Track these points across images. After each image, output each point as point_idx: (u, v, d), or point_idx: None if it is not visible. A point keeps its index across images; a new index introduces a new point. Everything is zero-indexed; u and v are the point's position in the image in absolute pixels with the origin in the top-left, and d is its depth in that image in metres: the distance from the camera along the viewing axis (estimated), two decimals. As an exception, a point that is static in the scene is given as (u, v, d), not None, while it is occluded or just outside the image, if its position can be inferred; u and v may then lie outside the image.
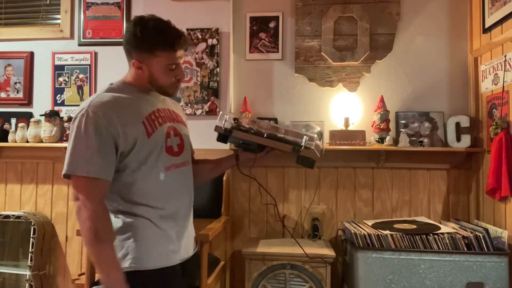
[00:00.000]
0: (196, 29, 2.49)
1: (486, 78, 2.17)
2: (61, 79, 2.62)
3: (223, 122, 1.34)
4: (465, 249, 1.80)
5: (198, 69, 2.49)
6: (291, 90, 2.48)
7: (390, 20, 2.41)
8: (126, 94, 1.22)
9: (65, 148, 1.23)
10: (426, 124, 2.32)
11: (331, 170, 2.42)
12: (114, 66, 2.52)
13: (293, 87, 2.48)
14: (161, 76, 1.22)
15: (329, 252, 2.04)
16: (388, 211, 2.38)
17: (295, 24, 2.48)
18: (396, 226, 1.98)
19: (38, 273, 2.43)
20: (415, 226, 1.98)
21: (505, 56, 1.98)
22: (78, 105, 1.16)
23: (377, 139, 2.29)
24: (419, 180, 2.37)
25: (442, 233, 1.84)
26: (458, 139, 2.24)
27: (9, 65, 2.67)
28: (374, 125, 2.31)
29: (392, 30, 2.41)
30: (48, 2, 2.69)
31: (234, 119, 1.35)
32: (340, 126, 2.38)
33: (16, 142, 2.50)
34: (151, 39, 1.18)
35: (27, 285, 2.38)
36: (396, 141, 2.31)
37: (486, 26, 2.16)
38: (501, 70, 2.01)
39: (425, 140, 2.27)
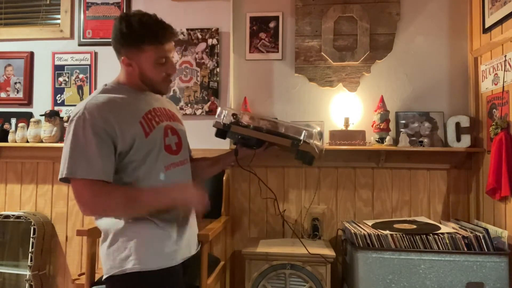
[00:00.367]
0: (196, 29, 2.49)
1: (486, 78, 2.17)
2: (61, 79, 2.62)
3: (222, 118, 1.34)
4: (465, 249, 1.80)
5: (198, 69, 2.49)
6: (291, 90, 2.48)
7: (390, 20, 2.41)
8: (121, 94, 1.22)
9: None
10: (426, 124, 2.32)
11: (331, 170, 2.42)
12: (114, 66, 2.48)
13: (293, 87, 2.48)
14: (151, 72, 1.21)
15: (329, 252, 2.04)
16: (388, 211, 2.38)
17: (295, 24, 2.48)
18: (396, 226, 1.98)
19: (38, 273, 2.43)
20: (415, 226, 1.98)
21: (505, 56, 1.98)
22: (75, 109, 1.15)
23: (377, 139, 2.29)
24: (419, 180, 2.37)
25: (442, 233, 1.84)
26: (458, 139, 2.24)
27: (9, 65, 2.66)
28: (374, 125, 2.31)
29: (392, 30, 2.41)
30: (48, 2, 2.69)
31: (233, 114, 1.34)
32: (340, 126, 2.38)
33: (16, 142, 2.50)
34: (137, 34, 1.16)
35: (27, 285, 2.38)
36: (396, 141, 2.31)
37: (486, 26, 2.16)
38: (501, 70, 2.01)
39: (425, 140, 2.27)
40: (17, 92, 2.65)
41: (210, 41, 2.49)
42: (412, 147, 2.25)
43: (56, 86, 2.62)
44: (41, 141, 2.47)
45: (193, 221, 1.35)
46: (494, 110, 2.09)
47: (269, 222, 2.44)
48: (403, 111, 2.37)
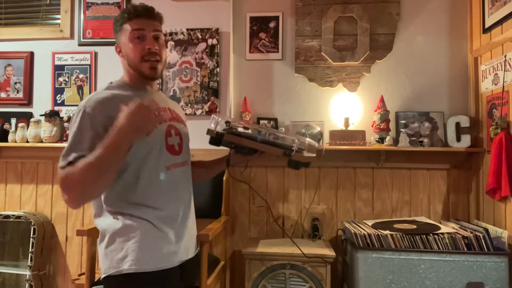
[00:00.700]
0: (196, 29, 2.49)
1: (486, 78, 2.17)
2: (61, 79, 2.62)
3: (215, 126, 1.34)
4: (465, 249, 1.80)
5: (198, 69, 2.49)
6: (291, 90, 2.48)
7: (390, 20, 2.41)
8: (125, 91, 1.23)
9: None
10: (426, 124, 2.32)
11: (331, 170, 2.42)
12: (114, 66, 2.50)
13: (293, 87, 2.48)
14: (130, 49, 1.22)
15: (329, 252, 2.04)
16: (388, 211, 2.38)
17: (295, 24, 2.48)
18: (396, 226, 1.98)
19: (38, 273, 2.43)
20: (415, 226, 1.98)
21: (505, 56, 1.98)
22: (78, 105, 1.17)
23: (377, 139, 2.29)
24: (419, 180, 2.37)
25: (442, 233, 1.84)
26: (458, 139, 2.24)
27: (9, 65, 2.67)
28: (374, 125, 2.31)
29: (392, 30, 2.41)
30: (48, 2, 2.69)
31: (226, 122, 1.34)
32: (340, 126, 2.38)
33: (16, 142, 2.50)
34: (119, 17, 1.24)
35: (27, 285, 2.38)
36: (396, 141, 2.31)
37: (486, 26, 2.16)
38: (501, 70, 2.01)
39: (425, 140, 2.27)
40: (17, 92, 2.65)
41: (210, 41, 2.49)
42: (412, 147, 2.25)
43: (56, 86, 2.62)
44: (41, 141, 2.47)
45: (192, 223, 1.34)
46: (494, 110, 2.08)
47: (269, 222, 2.44)
48: (403, 111, 2.37)
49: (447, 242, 1.81)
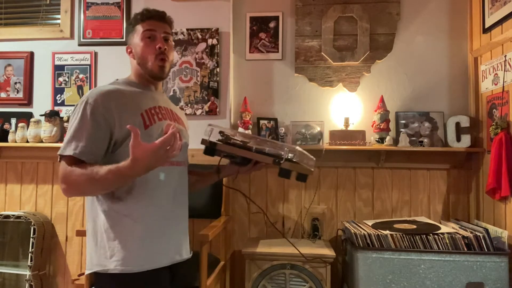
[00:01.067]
0: (196, 29, 2.49)
1: (486, 78, 2.17)
2: (61, 79, 2.62)
3: (209, 135, 1.35)
4: (465, 249, 1.80)
5: (198, 69, 2.49)
6: (291, 90, 2.48)
7: (390, 20, 2.41)
8: (129, 87, 1.27)
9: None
10: (426, 124, 2.32)
11: (331, 170, 2.42)
12: (114, 66, 2.52)
13: (293, 87, 2.49)
14: (141, 48, 1.27)
15: (329, 252, 2.04)
16: (388, 211, 2.38)
17: (295, 24, 2.48)
18: (396, 226, 1.98)
19: (38, 273, 2.42)
20: (415, 226, 1.98)
21: (505, 56, 1.98)
22: (82, 97, 1.22)
23: (377, 139, 2.29)
24: (419, 180, 2.37)
25: (442, 233, 1.84)
26: (458, 139, 2.24)
27: (9, 65, 2.66)
28: (374, 125, 2.31)
29: (392, 30, 2.41)
30: (48, 2, 2.69)
31: (220, 132, 1.36)
32: (340, 126, 2.38)
33: (16, 142, 2.50)
34: (133, 19, 1.32)
35: (27, 285, 2.38)
36: (396, 141, 2.31)
37: (486, 26, 2.16)
38: (501, 70, 2.01)
39: (425, 140, 2.27)
40: (17, 92, 2.65)
41: (210, 41, 2.49)
42: (412, 147, 2.25)
43: (56, 86, 2.62)
44: (41, 141, 2.47)
45: (184, 225, 1.34)
46: (494, 110, 2.09)
47: (269, 222, 2.44)
48: (403, 111, 2.37)
49: (447, 242, 1.81)
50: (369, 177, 2.40)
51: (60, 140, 2.48)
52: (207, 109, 2.47)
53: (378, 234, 1.87)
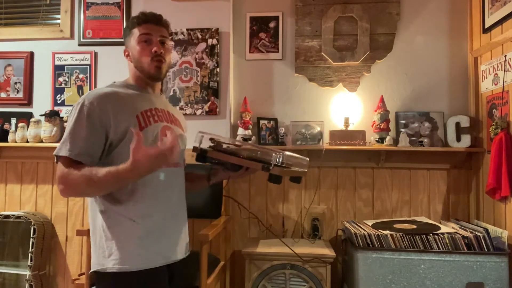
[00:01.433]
0: (196, 29, 2.49)
1: (486, 78, 2.17)
2: (61, 79, 2.62)
3: (199, 143, 1.36)
4: (465, 249, 1.80)
5: (198, 69, 2.49)
6: (291, 90, 2.48)
7: (390, 20, 2.41)
8: (126, 90, 1.28)
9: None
10: (426, 124, 2.32)
11: (331, 170, 2.42)
12: (114, 66, 2.52)
13: (293, 87, 2.49)
14: (139, 52, 1.28)
15: (329, 252, 2.04)
16: (388, 211, 2.38)
17: (295, 24, 2.48)
18: (396, 226, 1.98)
19: (38, 273, 2.42)
20: (415, 226, 1.98)
21: (505, 56, 1.98)
22: (79, 99, 1.24)
23: (377, 139, 2.29)
24: (419, 180, 2.37)
25: (442, 233, 1.84)
26: (458, 139, 2.24)
27: (9, 65, 2.66)
28: (374, 125, 2.31)
29: (392, 30, 2.41)
30: (48, 2, 2.69)
31: (211, 139, 1.37)
32: (340, 126, 2.38)
33: (16, 142, 2.50)
34: (129, 23, 1.33)
35: (27, 285, 2.38)
36: (396, 141, 2.31)
37: (486, 26, 2.16)
38: (501, 70, 2.01)
39: (425, 140, 2.27)
40: (17, 92, 2.65)
41: (210, 41, 2.49)
42: (412, 147, 2.25)
43: (56, 86, 2.62)
44: (41, 141, 2.47)
45: (181, 224, 1.34)
46: (494, 110, 2.09)
47: (269, 222, 2.44)
48: (403, 111, 2.37)
49: (447, 242, 1.81)
50: (369, 177, 2.40)
51: (60, 140, 2.47)
52: (207, 109, 2.47)
53: (378, 234, 1.87)
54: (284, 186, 2.44)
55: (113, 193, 1.18)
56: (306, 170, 1.34)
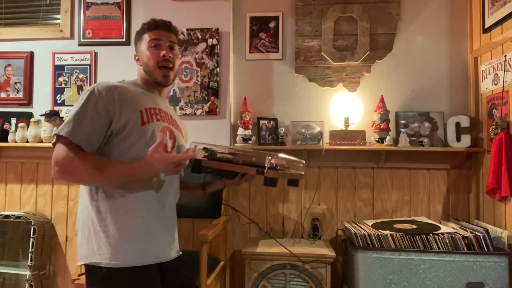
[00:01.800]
0: (196, 29, 2.49)
1: (486, 78, 2.17)
2: (61, 79, 2.62)
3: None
4: (465, 249, 1.80)
5: (198, 69, 2.49)
6: (291, 90, 2.48)
7: (390, 20, 2.41)
8: (134, 87, 1.32)
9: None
10: (426, 124, 2.32)
11: (331, 170, 2.42)
12: (114, 66, 2.52)
13: (293, 87, 2.48)
14: (148, 56, 1.33)
15: (329, 252, 2.04)
16: (388, 211, 2.38)
17: (295, 24, 2.48)
18: (396, 226, 1.98)
19: (38, 273, 2.42)
20: (415, 226, 1.98)
21: (505, 56, 1.98)
22: (89, 87, 1.27)
23: (377, 139, 2.29)
24: (419, 180, 2.37)
25: (442, 233, 1.84)
26: (458, 139, 2.24)
27: (9, 65, 2.66)
28: (374, 125, 2.31)
29: (392, 30, 2.41)
30: (48, 2, 2.69)
31: (204, 148, 1.37)
32: (340, 126, 2.38)
33: (16, 142, 2.50)
34: (140, 29, 1.39)
35: (27, 285, 2.38)
36: (396, 141, 2.31)
37: (486, 26, 2.16)
38: (501, 70, 2.01)
39: (425, 140, 2.27)
40: (17, 92, 2.65)
41: (210, 41, 2.49)
42: (412, 147, 2.25)
43: (56, 86, 2.62)
44: (41, 141, 2.47)
45: (171, 224, 1.35)
46: (494, 110, 2.08)
47: (269, 222, 2.44)
48: (403, 111, 2.37)
49: (447, 242, 1.81)
50: (369, 177, 2.40)
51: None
52: (207, 109, 2.47)
53: (378, 234, 1.87)
54: (284, 187, 2.44)
55: (105, 188, 1.19)
56: (302, 172, 1.34)
